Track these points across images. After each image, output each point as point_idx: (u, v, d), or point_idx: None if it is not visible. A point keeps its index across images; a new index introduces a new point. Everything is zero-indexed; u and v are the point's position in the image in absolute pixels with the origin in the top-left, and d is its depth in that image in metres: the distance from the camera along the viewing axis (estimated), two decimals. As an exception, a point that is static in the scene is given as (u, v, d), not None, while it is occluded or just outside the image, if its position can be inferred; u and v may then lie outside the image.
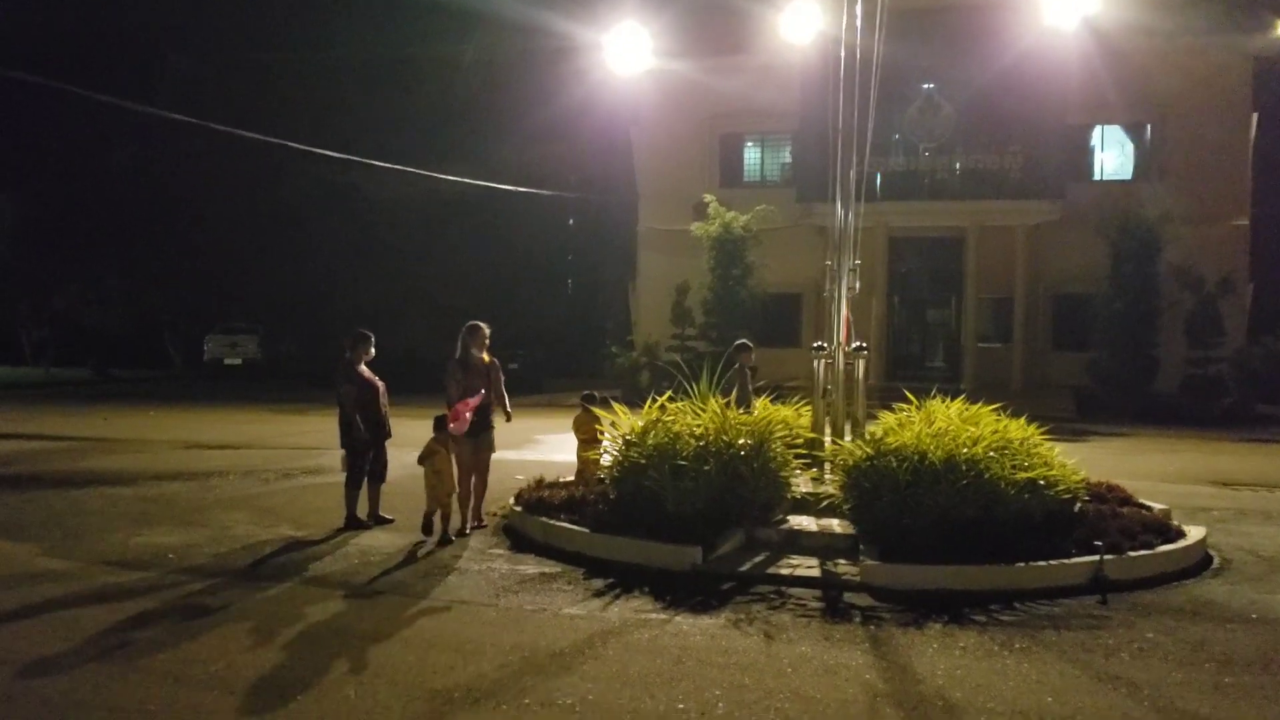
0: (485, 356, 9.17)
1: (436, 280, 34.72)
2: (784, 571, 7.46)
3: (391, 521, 9.47)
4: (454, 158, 31.52)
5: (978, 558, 7.28)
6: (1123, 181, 28.15)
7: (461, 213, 34.68)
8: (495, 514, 9.74)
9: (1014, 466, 7.87)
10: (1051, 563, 7.27)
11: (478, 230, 34.99)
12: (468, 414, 8.88)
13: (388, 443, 9.73)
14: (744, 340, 11.15)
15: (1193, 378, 24.46)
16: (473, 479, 9.22)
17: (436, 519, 8.86)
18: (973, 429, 8.30)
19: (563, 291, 41.05)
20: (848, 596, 6.94)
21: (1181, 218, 24.43)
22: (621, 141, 31.96)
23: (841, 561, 7.75)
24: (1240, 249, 26.56)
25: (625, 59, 25.89)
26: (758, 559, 7.82)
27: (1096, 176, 28.64)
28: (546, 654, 5.57)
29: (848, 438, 9.52)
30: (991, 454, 7.88)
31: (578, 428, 10.52)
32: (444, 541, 8.61)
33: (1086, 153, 28.69)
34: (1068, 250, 26.70)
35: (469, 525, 9.14)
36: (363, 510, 9.51)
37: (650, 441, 8.51)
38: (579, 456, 10.46)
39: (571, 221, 40.61)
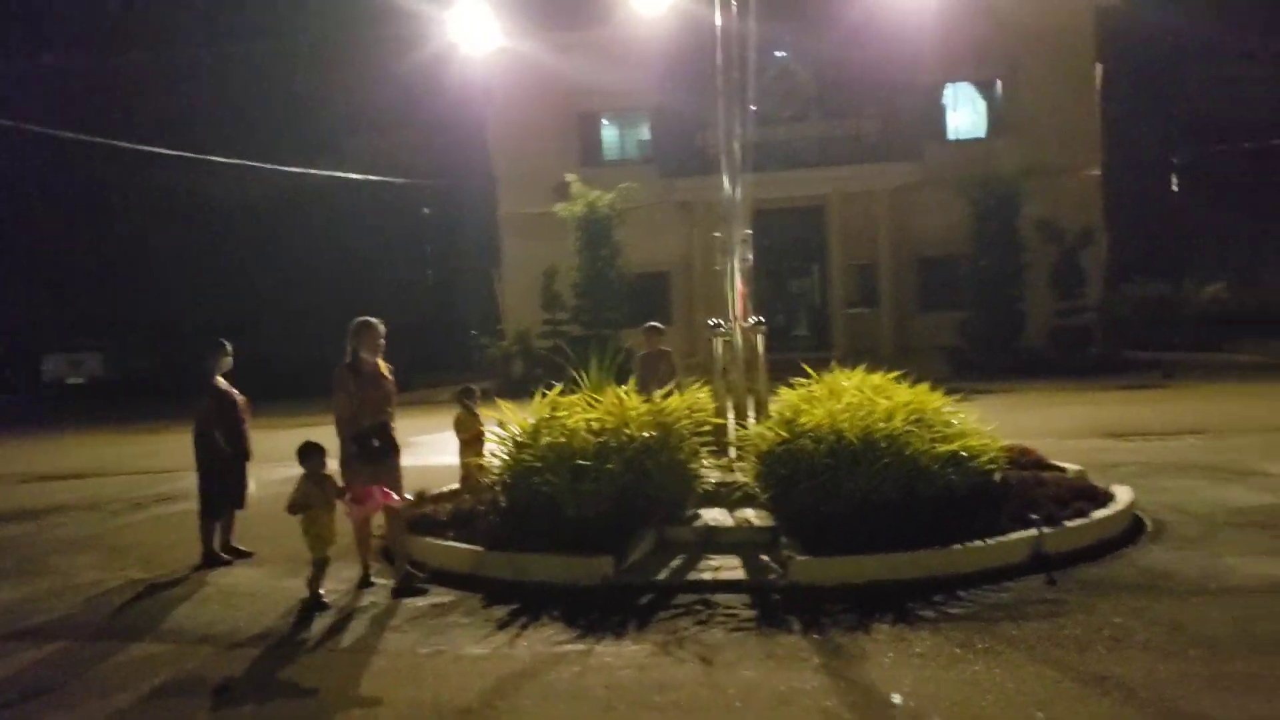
0: (380, 362, 7.31)
1: (289, 282, 33.02)
2: (706, 576, 6.74)
3: (250, 555, 8.41)
4: (299, 153, 29.87)
5: (908, 543, 6.70)
6: (977, 139, 28.47)
7: (311, 210, 33.05)
8: (378, 536, 8.75)
9: (933, 439, 7.34)
10: (989, 542, 6.75)
11: (329, 227, 33.37)
12: (378, 497, 6.92)
13: (248, 464, 8.69)
14: (652, 323, 10.37)
15: (1060, 329, 24.92)
16: (373, 518, 7.29)
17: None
18: (885, 401, 7.73)
19: (423, 283, 39.62)
20: (778, 598, 6.26)
21: (1037, 172, 24.81)
22: (475, 125, 30.79)
23: (764, 558, 7.08)
24: (1095, 200, 27.13)
25: (474, 38, 24.79)
26: (675, 564, 7.08)
27: (951, 136, 28.90)
28: (451, 712, 4.70)
29: (750, 418, 8.92)
30: (910, 428, 7.32)
31: (458, 428, 9.59)
32: (318, 606, 6.71)
33: (940, 112, 28.92)
34: (929, 211, 26.84)
35: (371, 573, 7.29)
36: (219, 542, 8.46)
37: (543, 441, 7.66)
38: (462, 462, 9.53)
39: (427, 210, 39.20)
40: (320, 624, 6.37)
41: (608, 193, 24.84)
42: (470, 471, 9.21)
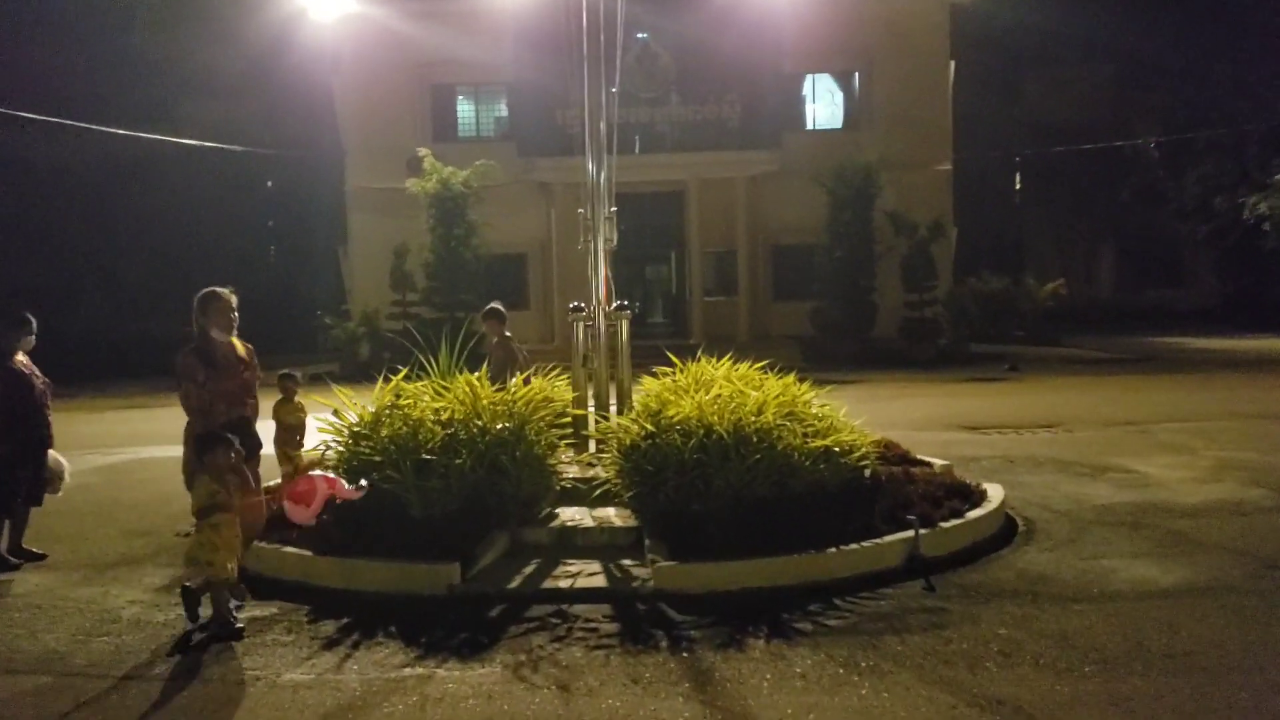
0: (236, 342, 6.20)
1: (117, 253, 30.83)
2: (563, 584, 6.13)
3: (43, 558, 7.38)
4: (130, 116, 27.81)
5: (780, 545, 6.26)
6: (834, 130, 28.67)
7: (142, 178, 30.87)
8: (186, 534, 7.84)
9: (806, 434, 6.93)
10: (864, 545, 6.35)
11: (163, 196, 31.24)
12: (328, 496, 5.87)
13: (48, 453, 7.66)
14: (494, 305, 9.34)
15: (910, 320, 25.24)
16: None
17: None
18: (756, 393, 7.29)
19: (265, 259, 37.68)
20: (643, 609, 5.72)
21: (892, 164, 25.05)
22: (323, 94, 29.26)
23: (627, 562, 6.52)
24: (945, 194, 27.61)
25: (322, 2, 23.53)
26: (529, 569, 6.44)
27: (810, 126, 29.02)
28: (262, 757, 3.99)
29: (612, 409, 8.37)
30: (782, 421, 6.90)
31: (276, 416, 8.61)
32: (222, 632, 5.46)
33: (799, 102, 28.97)
34: (786, 200, 26.87)
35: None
36: (7, 543, 7.42)
37: (385, 433, 6.93)
38: (280, 453, 8.47)
39: (270, 183, 37.25)
40: (115, 643, 5.48)
41: (463, 170, 23.86)
42: (295, 465, 8.31)
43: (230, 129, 30.39)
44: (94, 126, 24.93)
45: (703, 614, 5.53)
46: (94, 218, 31.09)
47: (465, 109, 29.17)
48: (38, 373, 7.63)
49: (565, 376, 8.59)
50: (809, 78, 28.88)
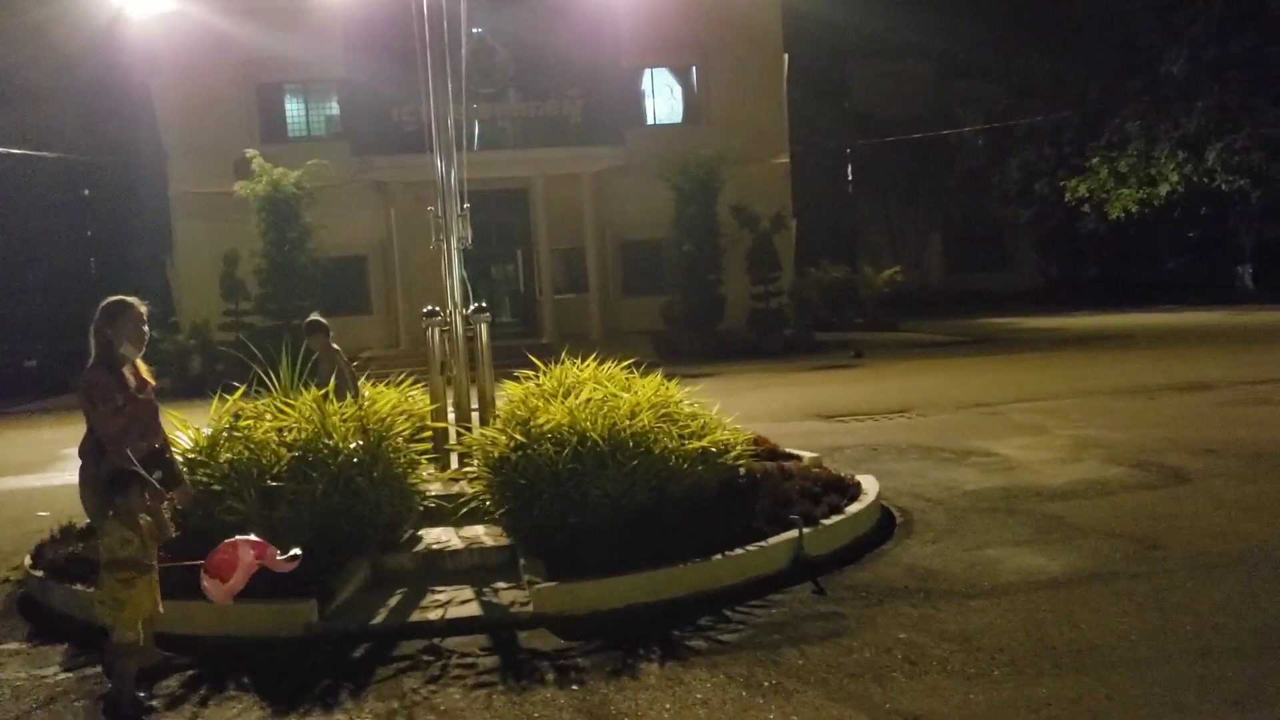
0: (142, 366, 5.32)
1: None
2: (433, 615, 5.65)
3: None
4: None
5: (664, 555, 5.94)
6: (676, 125, 28.68)
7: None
8: (7, 579, 7.04)
9: (682, 436, 6.66)
10: (750, 549, 6.10)
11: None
12: (255, 567, 4.79)
13: None
14: (315, 317, 8.34)
15: (757, 311, 25.50)
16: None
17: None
18: (628, 395, 6.97)
19: (85, 272, 35.31)
20: (523, 637, 5.31)
21: (732, 158, 25.22)
22: (142, 96, 27.47)
23: (501, 585, 6.09)
24: (784, 186, 27.94)
25: (138, 1, 22.20)
26: (394, 601, 5.93)
27: (650, 121, 28.88)
28: None
29: (475, 419, 7.92)
30: (658, 424, 6.61)
31: None
32: (141, 709, 4.61)
33: (640, 97, 28.82)
34: (632, 196, 26.73)
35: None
36: None
37: (224, 458, 6.31)
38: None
39: (88, 191, 34.95)
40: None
41: (294, 170, 22.79)
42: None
43: (43, 135, 28.35)
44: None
45: (589, 638, 5.17)
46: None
47: (294, 108, 27.91)
48: None
49: (419, 384, 8.08)
50: (648, 72, 28.76)
